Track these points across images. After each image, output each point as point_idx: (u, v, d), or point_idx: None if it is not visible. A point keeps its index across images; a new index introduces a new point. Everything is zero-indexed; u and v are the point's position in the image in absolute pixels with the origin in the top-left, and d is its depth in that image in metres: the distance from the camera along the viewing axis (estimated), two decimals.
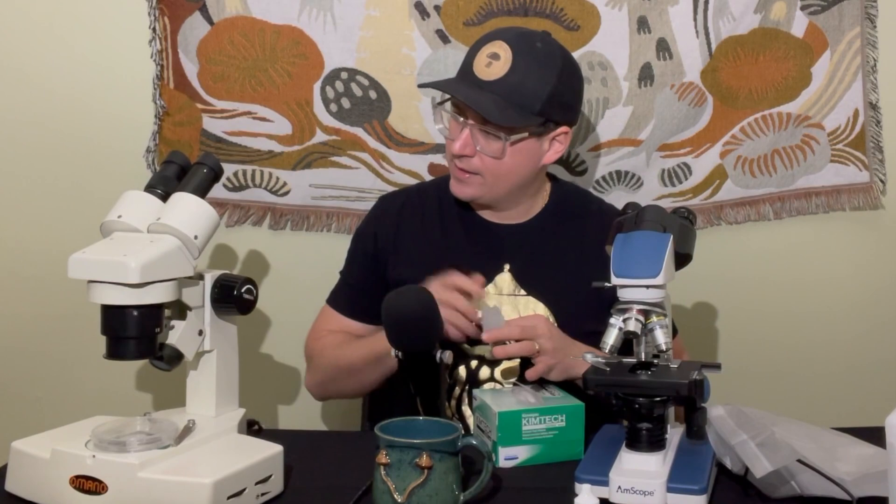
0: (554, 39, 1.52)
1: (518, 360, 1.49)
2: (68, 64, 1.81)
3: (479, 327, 1.37)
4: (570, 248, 1.54)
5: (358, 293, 1.59)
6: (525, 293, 1.51)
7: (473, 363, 1.50)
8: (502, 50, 1.43)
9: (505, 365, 1.50)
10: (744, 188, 1.90)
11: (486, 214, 1.57)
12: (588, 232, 1.54)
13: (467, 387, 1.49)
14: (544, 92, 1.43)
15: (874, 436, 1.08)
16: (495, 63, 1.42)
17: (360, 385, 1.54)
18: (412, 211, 1.59)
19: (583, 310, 1.38)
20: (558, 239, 1.55)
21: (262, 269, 1.89)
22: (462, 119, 1.45)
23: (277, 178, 1.85)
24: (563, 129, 1.49)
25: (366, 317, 1.56)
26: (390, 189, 1.81)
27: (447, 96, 1.49)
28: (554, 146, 1.50)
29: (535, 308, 1.50)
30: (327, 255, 1.90)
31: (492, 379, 1.49)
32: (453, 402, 1.51)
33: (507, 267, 1.52)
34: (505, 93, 1.41)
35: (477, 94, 1.42)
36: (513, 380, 1.45)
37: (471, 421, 1.43)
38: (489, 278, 1.51)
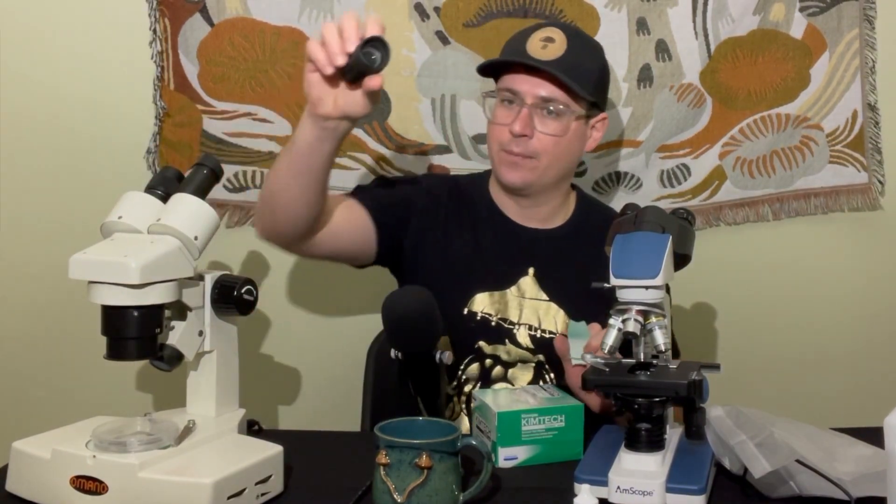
0: None
1: (533, 365, 1.50)
2: (69, 65, 1.81)
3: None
4: (593, 258, 1.53)
5: (383, 193, 1.54)
6: (547, 298, 1.51)
7: (488, 362, 1.50)
8: (555, 34, 1.47)
9: (519, 367, 1.50)
10: (743, 189, 1.91)
11: (515, 216, 1.57)
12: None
13: (479, 384, 1.50)
14: (594, 74, 1.49)
15: (873, 436, 1.08)
16: (551, 45, 1.46)
17: (291, 194, 1.36)
18: (451, 200, 1.58)
19: (600, 320, 1.38)
20: (582, 249, 1.55)
21: (263, 270, 1.89)
22: (517, 102, 1.47)
23: None
24: (604, 115, 1.54)
25: (377, 218, 1.50)
26: None
27: (491, 88, 1.52)
28: (593, 134, 1.54)
29: (555, 315, 1.51)
30: None
31: (504, 379, 1.50)
32: (463, 398, 1.51)
33: (531, 271, 1.53)
34: (566, 70, 1.45)
35: (550, 67, 1.44)
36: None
37: None
38: (513, 280, 1.52)
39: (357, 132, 1.83)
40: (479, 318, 1.50)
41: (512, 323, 1.51)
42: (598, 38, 1.79)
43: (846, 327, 1.95)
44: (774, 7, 1.83)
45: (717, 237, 1.92)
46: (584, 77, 1.47)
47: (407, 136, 1.83)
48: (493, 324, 1.50)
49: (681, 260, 1.25)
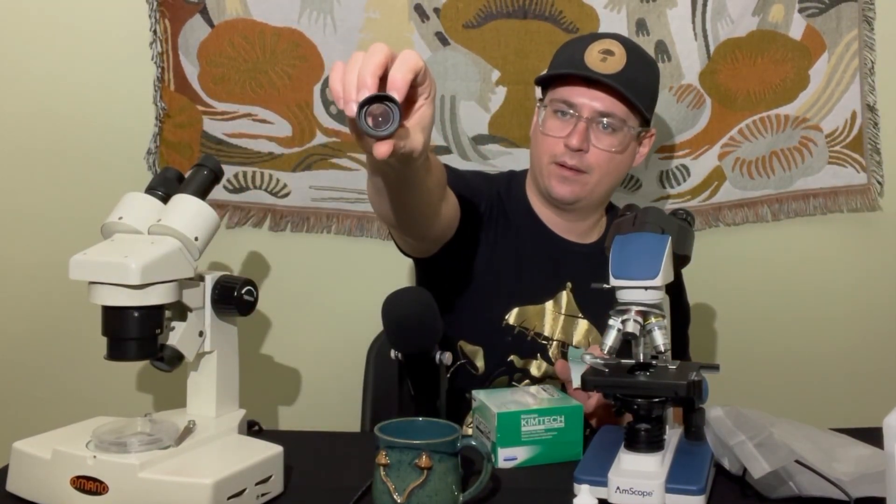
0: None
1: (561, 383, 1.48)
2: (69, 66, 1.82)
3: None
4: None
5: (462, 174, 1.50)
6: (582, 315, 1.50)
7: (517, 375, 1.49)
8: (614, 47, 1.45)
9: (548, 383, 1.48)
10: (742, 190, 1.91)
11: (555, 228, 1.54)
12: None
13: None
14: (650, 89, 1.47)
15: (872, 436, 1.08)
16: (610, 58, 1.43)
17: (390, 200, 1.21)
18: (502, 205, 1.54)
19: None
20: None
21: (263, 271, 1.90)
22: (573, 115, 1.44)
23: (277, 180, 1.86)
24: (653, 130, 1.52)
25: (453, 183, 1.40)
26: None
27: (544, 96, 1.49)
28: (640, 150, 1.52)
29: (588, 332, 1.49)
30: (327, 256, 1.91)
31: None
32: None
33: (569, 285, 1.51)
34: (625, 84, 1.42)
35: (608, 81, 1.42)
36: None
37: None
38: (552, 293, 1.50)
39: None
40: (516, 331, 1.48)
41: (546, 338, 1.49)
42: None
43: (845, 328, 1.95)
44: (773, 8, 1.83)
45: (717, 238, 1.92)
46: (642, 92, 1.45)
47: None
48: (528, 338, 1.48)
49: (680, 261, 1.25)
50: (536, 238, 1.53)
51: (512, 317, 1.48)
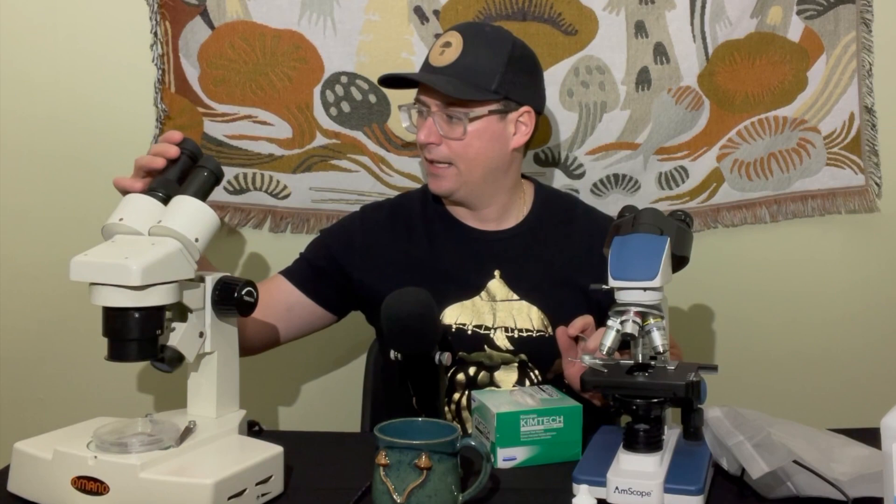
0: (503, 28, 1.57)
1: (516, 365, 1.50)
2: (70, 68, 1.82)
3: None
4: (559, 250, 1.56)
5: (314, 271, 1.58)
6: (518, 298, 1.52)
7: (472, 370, 1.51)
8: (453, 38, 1.49)
9: (503, 370, 1.50)
10: (740, 191, 1.92)
11: (471, 222, 1.57)
12: (574, 234, 1.56)
13: (467, 391, 1.50)
14: (497, 69, 1.47)
15: (870, 437, 1.09)
16: (447, 50, 1.47)
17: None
18: (396, 221, 1.59)
19: (575, 311, 1.38)
20: (546, 242, 1.56)
21: (263, 272, 1.90)
22: (425, 110, 1.49)
23: (278, 182, 1.86)
24: (526, 108, 1.52)
25: (311, 292, 1.58)
26: (390, 192, 1.82)
27: (412, 100, 1.52)
28: (520, 128, 1.52)
29: (528, 312, 1.51)
30: None
31: (491, 382, 1.50)
32: (453, 406, 1.52)
33: (497, 273, 1.53)
34: (459, 73, 1.46)
35: (432, 76, 1.47)
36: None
37: (469, 425, 1.44)
38: (481, 286, 1.52)
39: (357, 135, 1.84)
40: (454, 329, 1.50)
41: (488, 328, 1.50)
42: (596, 40, 1.81)
43: (843, 329, 1.96)
44: (772, 10, 1.84)
45: (715, 239, 1.93)
46: (480, 76, 1.45)
47: (406, 139, 1.84)
48: (468, 332, 1.50)
49: (679, 262, 1.26)
50: (454, 237, 1.56)
51: (445, 317, 1.50)
